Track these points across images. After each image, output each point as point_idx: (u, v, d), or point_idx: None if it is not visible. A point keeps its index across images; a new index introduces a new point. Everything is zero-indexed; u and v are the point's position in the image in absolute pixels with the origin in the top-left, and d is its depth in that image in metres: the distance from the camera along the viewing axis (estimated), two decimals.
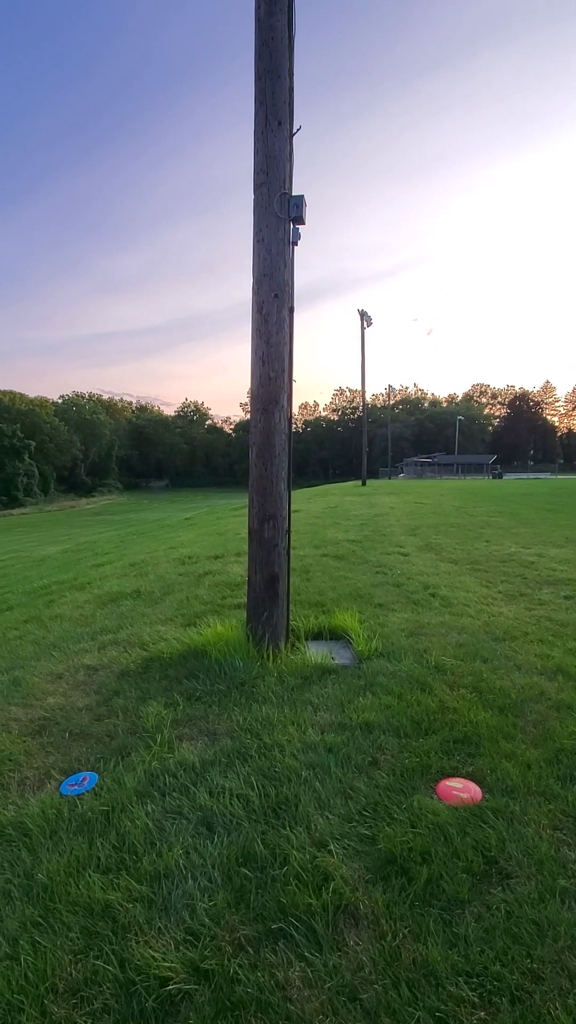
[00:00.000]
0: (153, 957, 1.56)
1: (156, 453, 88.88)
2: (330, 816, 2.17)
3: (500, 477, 52.87)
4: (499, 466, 64.85)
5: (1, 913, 1.76)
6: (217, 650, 3.82)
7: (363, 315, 31.40)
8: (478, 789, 2.34)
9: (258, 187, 3.87)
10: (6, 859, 2.02)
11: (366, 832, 2.07)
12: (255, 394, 3.92)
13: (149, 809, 2.25)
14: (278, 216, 3.80)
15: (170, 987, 1.48)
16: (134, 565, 8.74)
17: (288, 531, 4.04)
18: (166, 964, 1.54)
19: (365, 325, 31.43)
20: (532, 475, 59.78)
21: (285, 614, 4.10)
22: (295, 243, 3.88)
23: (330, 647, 4.16)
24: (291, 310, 3.90)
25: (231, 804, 2.25)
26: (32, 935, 1.67)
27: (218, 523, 15.55)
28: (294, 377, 3.98)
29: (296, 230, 3.87)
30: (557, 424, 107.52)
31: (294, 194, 3.87)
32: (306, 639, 4.36)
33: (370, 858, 1.94)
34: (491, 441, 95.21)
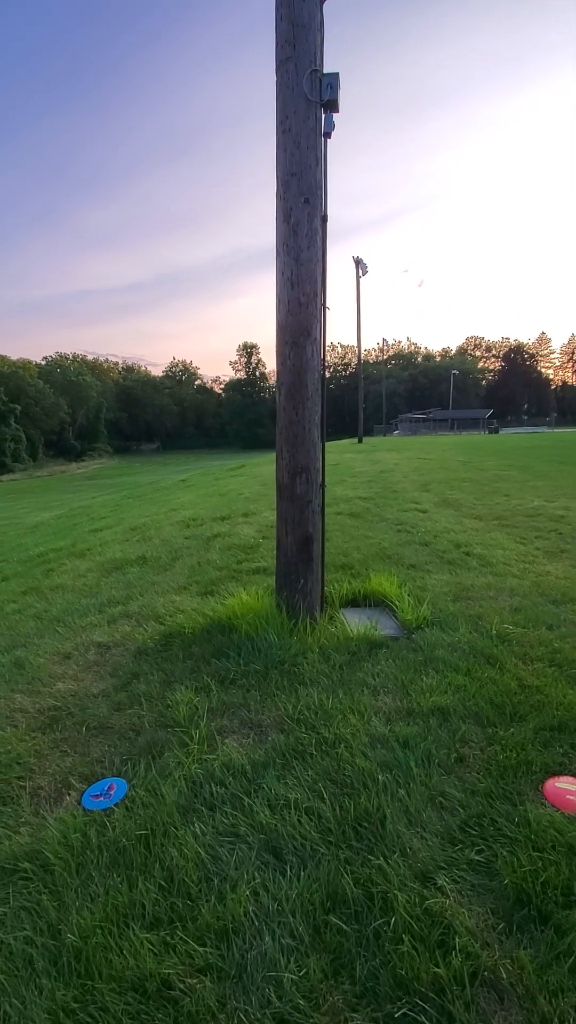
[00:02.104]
0: None
1: (145, 415, 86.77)
2: (426, 836, 1.74)
3: (496, 432, 52.23)
4: (495, 421, 64.10)
5: (25, 995, 1.31)
6: (247, 623, 3.35)
7: (358, 263, 29.91)
8: None
9: (282, 64, 3.14)
10: (23, 907, 1.57)
11: (478, 858, 1.64)
12: (282, 324, 3.30)
13: (197, 830, 1.81)
14: (308, 99, 3.09)
15: None
16: (135, 529, 8.23)
17: (322, 485, 3.52)
18: None
19: (360, 274, 29.99)
20: (528, 429, 59.17)
21: (320, 580, 3.62)
22: (328, 135, 3.19)
23: (369, 615, 3.71)
24: (324, 219, 3.24)
25: (300, 822, 1.81)
26: None
27: (217, 484, 14.98)
28: (328, 304, 3.36)
29: (330, 118, 3.17)
30: (552, 377, 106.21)
31: (326, 72, 3.14)
32: (340, 607, 3.91)
33: (494, 897, 1.51)
34: (485, 396, 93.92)
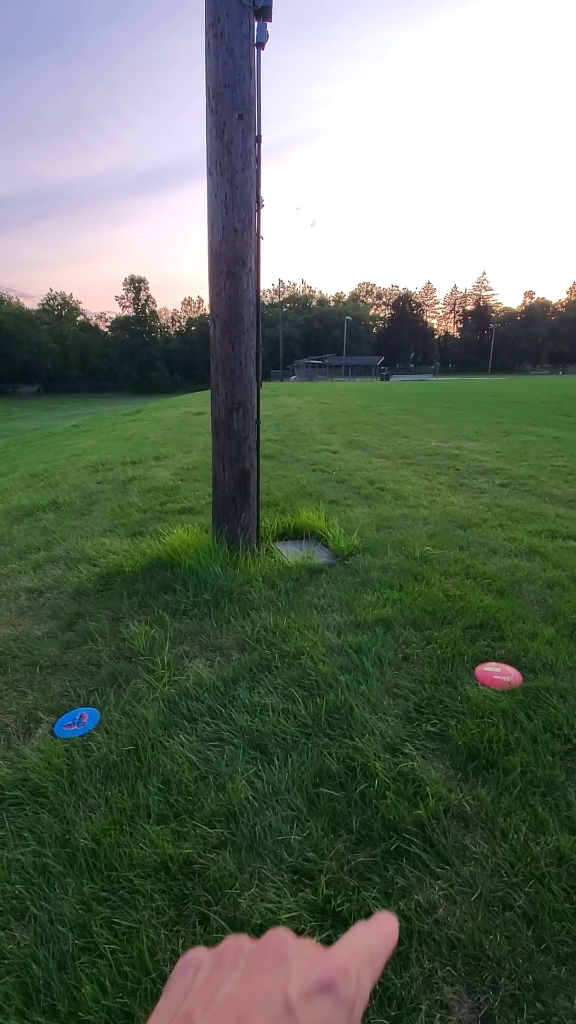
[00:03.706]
0: (269, 910, 1.31)
1: (21, 354, 77.95)
2: (388, 719, 2.01)
3: (388, 379, 54.34)
4: (386, 368, 66.46)
5: (50, 896, 1.38)
6: (190, 558, 3.40)
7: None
8: (516, 671, 2.31)
9: None
10: (23, 827, 1.61)
11: (433, 729, 1.94)
12: (216, 252, 3.19)
13: (183, 740, 1.92)
14: (241, 2, 2.89)
15: None
16: (36, 476, 7.70)
17: (258, 421, 3.56)
18: (287, 916, 1.30)
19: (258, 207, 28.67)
20: (416, 377, 62.26)
21: (256, 515, 3.73)
22: (261, 45, 3.02)
23: (303, 547, 3.92)
24: (258, 139, 3.12)
25: (278, 721, 1.99)
26: (104, 914, 1.33)
27: (117, 428, 14.24)
28: (262, 233, 3.29)
29: (263, 27, 2.99)
30: (436, 327, 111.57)
31: None
32: (273, 541, 4.07)
33: (450, 756, 1.82)
34: (376, 343, 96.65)
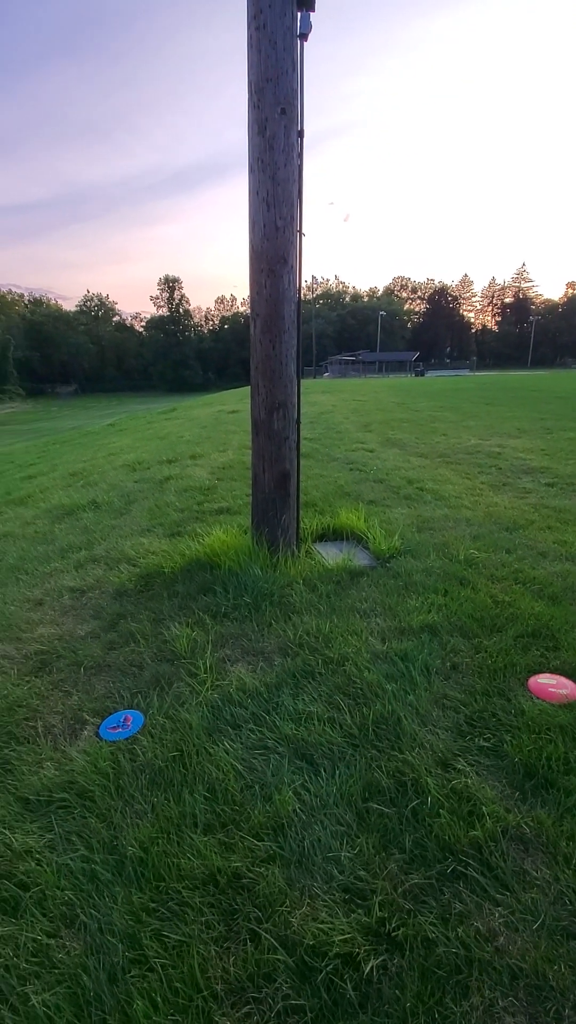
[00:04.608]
0: (321, 931, 1.27)
1: (60, 354, 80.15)
2: (439, 731, 1.94)
3: (423, 375, 53.44)
4: (421, 363, 65.39)
5: (100, 904, 1.37)
6: (229, 560, 3.38)
7: None
8: (573, 684, 2.19)
9: None
10: (71, 831, 1.61)
11: (487, 744, 1.86)
12: (257, 250, 3.15)
13: (228, 747, 1.90)
14: None
15: (362, 965, 1.19)
16: (75, 475, 7.86)
17: (298, 421, 3.51)
18: (341, 938, 1.25)
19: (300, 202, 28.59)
20: (452, 372, 61.00)
21: (296, 516, 3.69)
22: (304, 36, 2.96)
23: (342, 548, 3.86)
24: (301, 134, 3.06)
25: (324, 731, 1.94)
26: (154, 927, 1.31)
27: (152, 427, 14.45)
28: (303, 230, 3.24)
29: (306, 17, 2.93)
30: (473, 321, 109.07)
31: None
32: (312, 542, 4.02)
33: (506, 773, 1.73)
34: (411, 338, 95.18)
